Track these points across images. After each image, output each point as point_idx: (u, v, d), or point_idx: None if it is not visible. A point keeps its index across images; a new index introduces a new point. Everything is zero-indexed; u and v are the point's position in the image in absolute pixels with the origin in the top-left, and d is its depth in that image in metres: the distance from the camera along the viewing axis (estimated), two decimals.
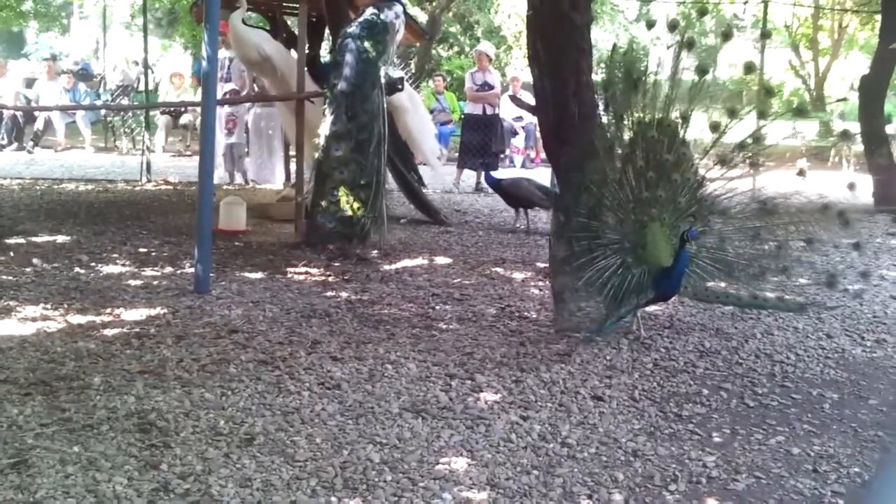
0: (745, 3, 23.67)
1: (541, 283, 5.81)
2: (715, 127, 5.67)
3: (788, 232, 5.59)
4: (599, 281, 5.51)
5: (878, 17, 14.81)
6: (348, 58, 7.80)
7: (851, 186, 5.65)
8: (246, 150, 13.73)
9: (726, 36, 6.32)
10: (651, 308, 6.02)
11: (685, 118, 5.62)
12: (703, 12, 6.25)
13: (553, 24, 6.60)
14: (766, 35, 7.56)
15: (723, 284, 5.85)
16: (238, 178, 13.43)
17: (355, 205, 7.56)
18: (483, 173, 12.26)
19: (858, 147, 10.14)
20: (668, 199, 5.56)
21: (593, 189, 5.65)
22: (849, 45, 27.15)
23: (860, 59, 25.99)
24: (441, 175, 10.53)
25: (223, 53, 12.28)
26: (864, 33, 25.53)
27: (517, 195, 9.89)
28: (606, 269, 5.53)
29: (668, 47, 5.86)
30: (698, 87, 5.65)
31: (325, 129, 7.81)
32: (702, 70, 5.65)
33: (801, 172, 5.76)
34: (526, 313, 6.02)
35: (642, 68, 5.71)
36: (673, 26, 5.84)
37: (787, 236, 5.58)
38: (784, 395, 4.78)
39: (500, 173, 11.90)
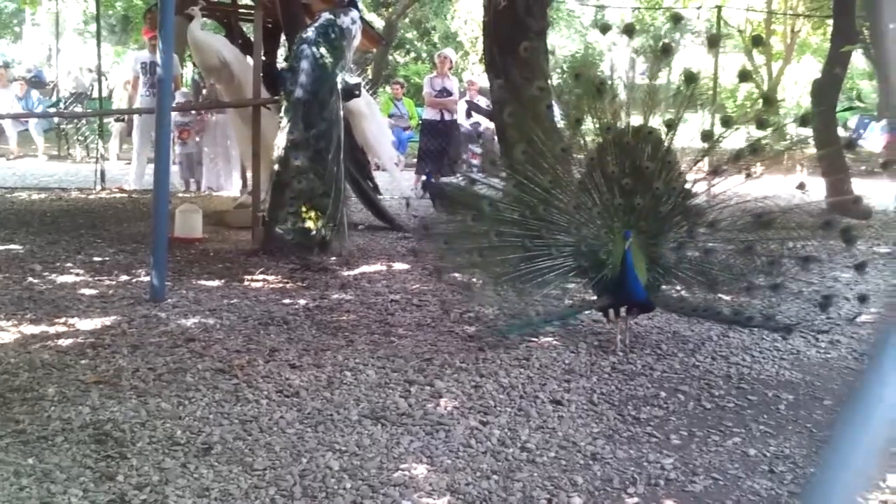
0: (698, 7, 23.95)
1: (499, 289, 5.84)
2: (707, 136, 5.66)
3: (784, 248, 5.46)
4: (538, 280, 5.55)
5: (830, 21, 15.02)
6: (304, 64, 7.76)
7: (801, 187, 5.60)
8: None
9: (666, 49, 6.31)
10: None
11: (670, 126, 5.58)
12: (677, 18, 6.24)
13: (509, 30, 6.64)
14: (714, 40, 7.61)
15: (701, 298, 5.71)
16: (193, 186, 13.34)
17: (314, 214, 7.51)
18: (423, 178, 12.32)
19: (811, 150, 10.25)
20: (648, 208, 5.53)
21: (534, 189, 5.66)
22: (801, 49, 27.53)
23: (812, 63, 26.36)
24: (399, 181, 10.49)
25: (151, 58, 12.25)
26: (815, 38, 25.90)
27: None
28: (552, 269, 5.57)
29: (639, 53, 5.84)
30: (684, 93, 5.61)
31: (282, 137, 7.76)
32: (689, 76, 5.58)
33: (801, 186, 5.56)
34: (484, 318, 6.02)
35: (601, 74, 5.74)
36: (629, 31, 5.83)
37: (781, 252, 5.45)
38: (740, 396, 4.82)
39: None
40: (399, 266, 7.87)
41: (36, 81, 20.96)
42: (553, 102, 5.88)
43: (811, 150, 9.75)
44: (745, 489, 3.69)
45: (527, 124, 5.75)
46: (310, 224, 7.52)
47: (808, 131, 7.46)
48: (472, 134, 16.58)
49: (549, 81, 6.20)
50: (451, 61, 14.53)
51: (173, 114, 13.72)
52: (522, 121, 5.86)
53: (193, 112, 13.15)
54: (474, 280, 5.79)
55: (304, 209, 7.53)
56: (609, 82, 5.66)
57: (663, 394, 4.80)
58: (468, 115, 14.88)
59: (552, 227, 5.65)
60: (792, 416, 4.56)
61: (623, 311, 5.56)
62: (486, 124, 16.05)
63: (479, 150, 17.19)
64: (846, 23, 12.98)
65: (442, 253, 5.85)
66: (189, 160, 13.37)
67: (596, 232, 5.61)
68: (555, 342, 5.65)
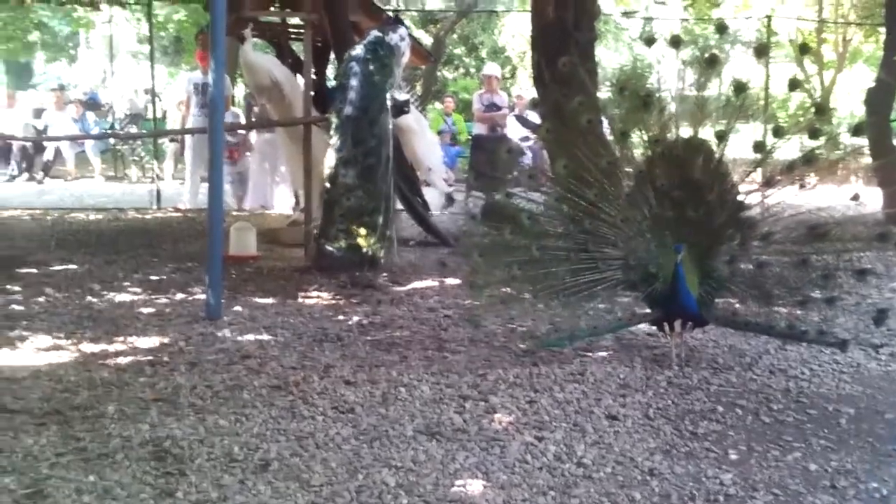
0: (748, 18, 23.74)
1: (554, 302, 5.82)
2: (759, 147, 5.61)
3: (840, 260, 5.35)
4: (584, 293, 5.54)
5: (882, 29, 14.81)
6: (353, 82, 7.82)
7: (856, 198, 5.52)
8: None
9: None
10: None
11: (721, 137, 5.52)
12: (722, 28, 6.19)
13: (557, 44, 6.63)
14: (762, 50, 7.52)
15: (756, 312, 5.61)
16: (247, 203, 13.45)
17: (363, 231, 7.54)
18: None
19: (866, 160, 10.12)
20: (700, 221, 5.48)
21: (579, 203, 5.64)
22: (853, 57, 27.16)
23: (865, 71, 25.99)
24: (437, 197, 10.48)
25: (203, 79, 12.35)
26: (868, 45, 25.54)
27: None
28: (599, 283, 5.55)
29: (686, 64, 5.80)
30: (734, 103, 5.55)
31: (331, 155, 7.82)
32: (739, 86, 5.51)
33: (855, 197, 5.47)
34: (537, 333, 6.00)
35: (648, 86, 5.71)
36: (675, 42, 5.80)
37: (837, 265, 5.35)
38: (800, 410, 4.75)
39: None
40: (451, 281, 7.88)
41: (91, 103, 21.27)
42: (598, 116, 5.85)
43: (866, 159, 9.61)
44: None
45: (568, 139, 5.74)
46: (360, 241, 7.55)
47: (862, 141, 7.35)
48: (521, 149, 16.57)
49: (595, 95, 6.16)
50: (496, 78, 14.53)
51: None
52: (563, 135, 5.85)
53: (241, 132, 13.30)
54: (523, 294, 5.76)
55: (353, 226, 7.57)
56: (656, 95, 5.63)
57: (721, 408, 4.74)
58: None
59: (599, 240, 5.62)
60: (853, 430, 4.49)
61: (677, 325, 5.51)
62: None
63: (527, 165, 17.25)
64: None
65: (477, 266, 5.84)
66: (241, 178, 13.53)
67: (645, 245, 5.57)
68: (609, 356, 5.62)
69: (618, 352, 5.75)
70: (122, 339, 5.81)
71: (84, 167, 18.44)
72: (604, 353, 5.69)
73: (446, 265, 7.93)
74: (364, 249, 7.57)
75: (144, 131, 18.03)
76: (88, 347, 5.59)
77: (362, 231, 7.54)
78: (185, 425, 4.27)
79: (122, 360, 5.34)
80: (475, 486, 3.71)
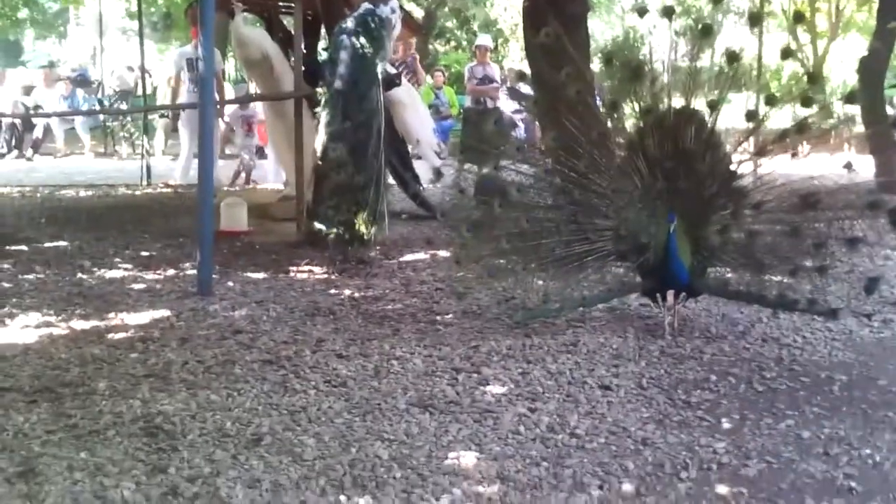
0: None
1: (544, 274, 5.81)
2: (751, 116, 5.58)
3: (831, 229, 5.33)
4: (575, 264, 5.54)
5: None
6: (343, 55, 7.75)
7: (848, 166, 5.50)
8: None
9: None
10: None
11: (713, 106, 5.49)
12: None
13: (549, 16, 6.57)
14: (756, 18, 7.49)
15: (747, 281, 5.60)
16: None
17: (353, 207, 7.49)
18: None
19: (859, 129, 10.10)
20: (692, 191, 5.46)
21: (569, 174, 5.62)
22: (846, 27, 27.06)
23: (859, 40, 25.91)
24: (427, 171, 10.46)
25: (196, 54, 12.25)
26: (861, 14, 25.44)
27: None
28: (589, 253, 5.54)
29: (679, 34, 5.76)
30: (727, 73, 5.53)
31: (321, 129, 7.77)
32: (731, 56, 5.50)
33: (848, 165, 5.43)
34: (530, 304, 5.99)
35: (640, 57, 5.66)
36: (668, 13, 5.75)
37: (828, 233, 5.32)
38: (792, 378, 4.75)
39: None
40: (443, 254, 7.85)
41: (81, 80, 21.13)
42: (588, 87, 5.81)
43: (859, 128, 9.59)
44: (799, 472, 3.64)
45: (557, 110, 5.70)
46: (348, 216, 7.50)
47: (855, 109, 7.32)
48: (513, 121, 16.53)
49: (587, 66, 6.12)
50: (488, 49, 14.46)
51: (236, 108, 13.95)
52: (552, 107, 5.81)
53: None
54: (513, 266, 5.73)
55: (343, 202, 7.52)
56: (646, 65, 5.59)
57: (714, 377, 4.74)
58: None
59: (589, 211, 5.61)
60: (846, 397, 4.50)
61: (670, 295, 5.50)
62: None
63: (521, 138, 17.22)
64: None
65: (465, 240, 5.82)
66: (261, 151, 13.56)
67: (637, 216, 5.55)
68: (602, 327, 5.62)
69: (611, 322, 5.75)
70: (112, 315, 5.79)
71: (74, 144, 18.34)
72: (596, 324, 5.69)
73: (431, 242, 7.94)
74: (352, 226, 7.51)
75: (134, 107, 17.90)
76: (79, 324, 5.57)
77: (352, 207, 7.48)
78: (176, 401, 4.26)
79: (113, 337, 5.32)
80: (468, 458, 3.71)
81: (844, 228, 5.32)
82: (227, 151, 15.70)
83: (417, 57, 13.62)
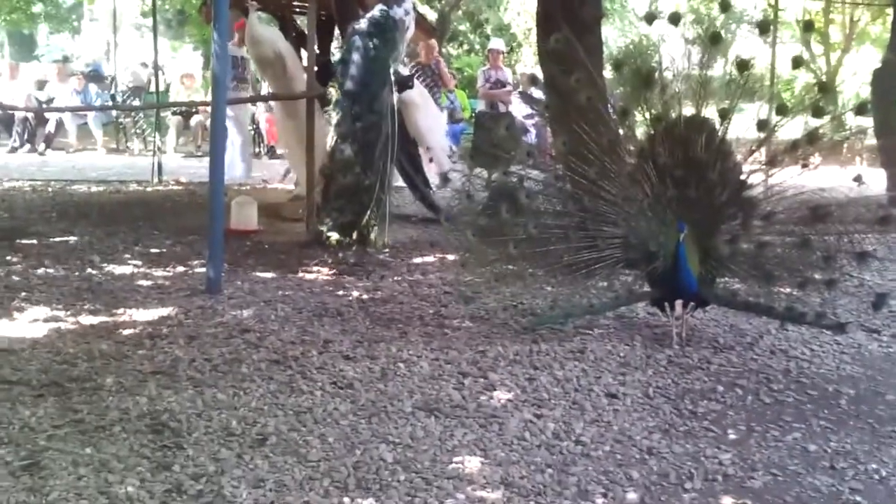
0: None
1: (552, 280, 5.81)
2: (762, 125, 5.55)
3: (841, 242, 5.30)
4: (583, 271, 5.52)
5: (890, 10, 14.74)
6: (355, 56, 7.75)
7: (858, 179, 5.48)
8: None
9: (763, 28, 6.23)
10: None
11: (724, 115, 5.47)
12: (725, 6, 6.14)
13: (562, 21, 6.56)
14: (765, 28, 7.50)
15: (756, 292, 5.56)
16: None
17: (358, 209, 7.47)
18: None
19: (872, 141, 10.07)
20: (701, 200, 5.44)
21: (579, 181, 5.60)
22: (860, 39, 27.01)
23: (872, 52, 25.86)
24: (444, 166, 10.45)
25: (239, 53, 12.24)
26: (875, 27, 25.40)
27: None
28: (598, 261, 5.52)
29: (690, 42, 5.74)
30: (738, 82, 5.51)
31: (331, 130, 7.77)
32: (742, 64, 5.48)
33: (858, 178, 5.39)
34: (538, 311, 5.98)
35: (653, 64, 5.65)
36: (674, 19, 5.74)
37: (838, 247, 5.29)
38: (800, 391, 4.73)
39: None
40: (452, 257, 7.85)
41: (94, 75, 21.18)
42: (599, 93, 5.79)
43: (871, 141, 9.56)
44: (805, 485, 3.63)
45: (568, 116, 5.69)
46: (352, 218, 7.48)
47: (867, 121, 7.30)
48: (524, 126, 16.52)
49: (599, 72, 6.11)
50: (501, 53, 14.45)
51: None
52: (563, 112, 5.81)
53: None
54: (521, 272, 5.72)
55: (348, 203, 7.50)
56: (657, 73, 5.58)
57: (721, 388, 4.73)
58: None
59: (598, 218, 5.59)
60: (853, 411, 4.48)
61: (678, 304, 5.49)
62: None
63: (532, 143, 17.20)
64: None
65: (471, 245, 5.80)
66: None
67: (646, 224, 5.53)
68: (610, 334, 5.61)
69: (618, 330, 5.74)
70: (121, 311, 5.80)
71: (86, 139, 18.39)
72: (604, 331, 5.67)
73: (436, 244, 7.94)
74: (357, 228, 7.49)
75: (147, 104, 17.93)
76: (87, 319, 5.59)
77: (356, 208, 7.45)
78: (183, 398, 4.26)
79: (121, 333, 5.33)
80: (473, 463, 3.70)
81: (854, 242, 5.30)
82: (279, 151, 15.76)
83: (441, 60, 13.62)
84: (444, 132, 10.72)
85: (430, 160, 10.37)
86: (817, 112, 5.43)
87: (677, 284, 5.32)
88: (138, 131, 18.33)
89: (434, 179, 10.04)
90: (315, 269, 7.27)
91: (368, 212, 7.50)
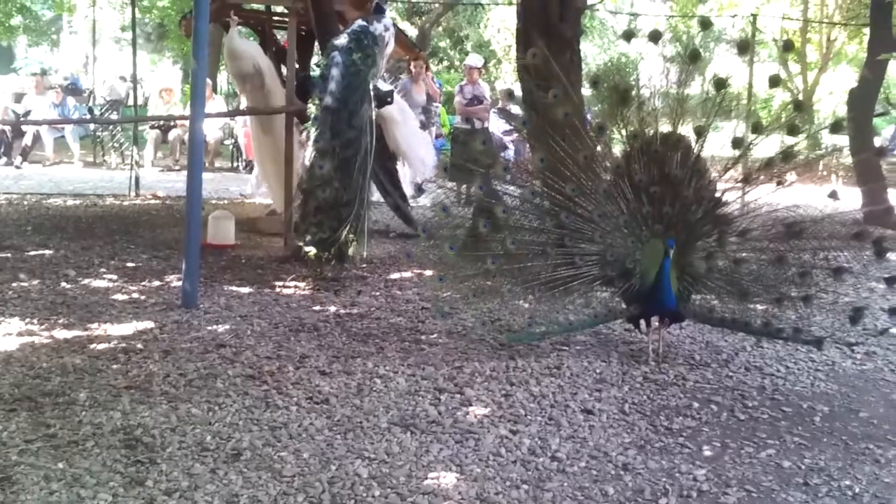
0: (733, 16, 23.79)
1: (529, 297, 5.82)
2: (737, 143, 5.57)
3: (816, 259, 5.36)
4: (560, 288, 5.52)
5: (867, 30, 14.89)
6: (334, 72, 7.74)
7: (833, 195, 5.53)
8: None
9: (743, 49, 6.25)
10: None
11: (699, 133, 5.50)
12: (705, 24, 6.16)
13: (542, 38, 6.60)
14: (745, 46, 7.48)
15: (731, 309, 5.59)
16: None
17: (335, 224, 7.44)
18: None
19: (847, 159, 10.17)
20: (677, 217, 5.47)
21: (555, 197, 5.61)
22: (837, 58, 27.25)
23: (848, 72, 26.08)
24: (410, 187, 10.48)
25: None
26: (851, 46, 25.62)
27: None
28: (575, 278, 5.53)
29: (668, 60, 5.77)
30: (714, 100, 5.52)
31: (309, 146, 7.75)
32: (719, 82, 5.50)
33: (833, 195, 5.49)
34: (516, 327, 5.99)
35: (630, 82, 5.67)
36: (654, 37, 5.77)
37: (813, 263, 5.36)
38: (774, 407, 4.76)
39: None
40: (429, 273, 7.84)
41: (72, 89, 21.13)
42: (576, 110, 5.81)
43: (847, 159, 9.64)
44: (778, 502, 3.65)
45: (545, 132, 5.70)
46: (330, 234, 7.45)
47: (842, 139, 7.35)
48: (502, 142, 16.55)
49: (577, 89, 6.14)
50: (477, 69, 14.47)
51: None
52: (540, 128, 5.82)
53: None
54: (498, 287, 5.71)
55: (325, 219, 7.48)
56: (634, 90, 5.60)
57: (696, 404, 4.75)
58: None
59: (576, 235, 5.59)
60: (827, 428, 4.50)
61: (654, 321, 5.51)
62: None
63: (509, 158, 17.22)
64: (883, 31, 12.85)
65: (446, 259, 5.79)
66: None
67: (623, 241, 5.55)
68: (586, 351, 5.62)
69: (595, 347, 5.75)
70: (96, 325, 5.76)
71: (63, 152, 18.29)
72: (581, 348, 5.69)
73: (409, 256, 7.95)
74: (334, 243, 7.46)
75: (124, 117, 17.87)
76: (61, 334, 5.55)
77: (333, 224, 7.42)
78: (157, 413, 4.24)
79: (96, 347, 5.29)
80: (448, 479, 3.70)
81: (829, 258, 5.34)
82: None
83: (430, 74, 13.71)
84: (429, 145, 10.72)
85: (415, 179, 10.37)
86: (793, 130, 5.48)
87: (658, 300, 5.33)
88: (116, 145, 18.25)
89: (409, 190, 10.07)
90: (292, 283, 7.26)
91: (347, 227, 7.47)
